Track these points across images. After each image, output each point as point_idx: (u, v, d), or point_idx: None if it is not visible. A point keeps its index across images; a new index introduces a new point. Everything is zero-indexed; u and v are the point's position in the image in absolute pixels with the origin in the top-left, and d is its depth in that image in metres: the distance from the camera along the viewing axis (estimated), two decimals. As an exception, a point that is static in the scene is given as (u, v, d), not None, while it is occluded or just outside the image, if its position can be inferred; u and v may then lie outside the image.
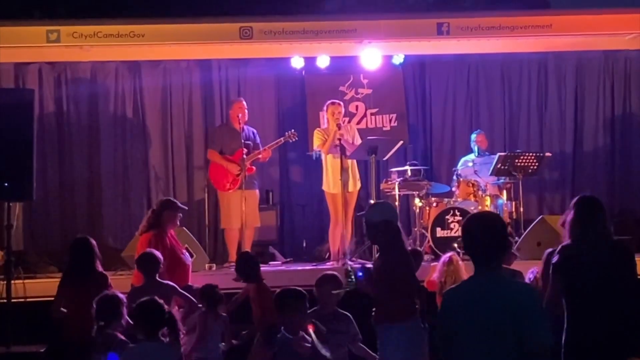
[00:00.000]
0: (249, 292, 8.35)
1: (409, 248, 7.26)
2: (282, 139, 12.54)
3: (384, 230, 6.71)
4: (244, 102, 12.65)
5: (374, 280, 6.71)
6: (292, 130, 12.67)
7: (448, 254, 9.81)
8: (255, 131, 12.69)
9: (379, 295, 6.69)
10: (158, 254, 8.45)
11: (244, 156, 12.08)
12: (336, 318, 7.33)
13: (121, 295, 7.07)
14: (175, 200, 10.00)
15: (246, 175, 12.10)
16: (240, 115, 12.34)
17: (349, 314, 7.49)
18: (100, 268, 8.48)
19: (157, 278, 8.28)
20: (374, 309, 6.83)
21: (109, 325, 6.78)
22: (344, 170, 11.82)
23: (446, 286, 9.50)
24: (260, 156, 12.33)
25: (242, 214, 12.06)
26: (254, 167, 12.35)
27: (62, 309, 8.39)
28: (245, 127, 12.42)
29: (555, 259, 6.23)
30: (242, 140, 12.18)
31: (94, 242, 8.58)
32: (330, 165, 12.18)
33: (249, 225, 12.24)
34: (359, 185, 12.42)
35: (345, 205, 11.90)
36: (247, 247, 12.15)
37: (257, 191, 12.65)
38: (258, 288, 8.26)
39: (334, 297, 7.28)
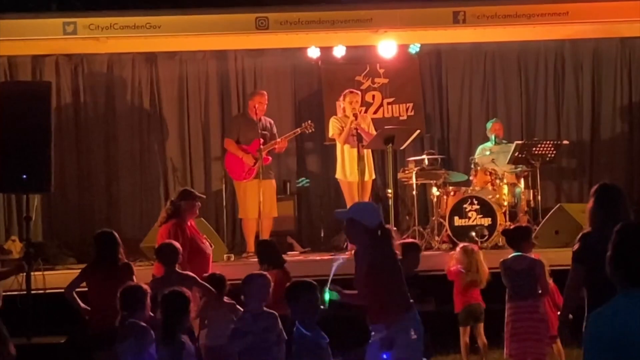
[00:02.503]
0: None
1: (404, 241, 7.00)
2: (298, 129, 12.56)
3: (350, 229, 6.62)
4: (265, 96, 12.63)
5: (362, 281, 6.61)
6: (309, 121, 12.68)
7: (465, 244, 9.79)
8: (272, 122, 12.69)
9: (368, 295, 6.59)
10: (177, 244, 8.45)
11: (261, 146, 12.10)
12: (263, 316, 7.12)
13: (145, 286, 7.11)
14: (193, 190, 9.99)
15: (262, 165, 12.12)
16: (256, 106, 12.34)
17: (275, 313, 7.11)
18: (124, 259, 8.50)
19: (177, 268, 8.29)
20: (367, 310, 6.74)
21: (132, 315, 6.82)
22: (360, 158, 11.84)
23: (469, 276, 9.50)
24: (276, 147, 12.34)
25: (259, 203, 12.09)
26: (269, 157, 12.36)
27: (80, 300, 8.43)
28: (262, 117, 12.44)
29: (575, 247, 6.23)
30: (259, 131, 12.20)
31: (115, 234, 8.58)
32: (347, 154, 12.20)
33: (266, 215, 12.27)
34: (373, 175, 12.43)
35: (361, 194, 11.91)
36: (265, 238, 12.17)
37: (274, 181, 12.66)
38: (283, 273, 8.30)
39: (264, 294, 7.04)
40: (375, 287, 6.35)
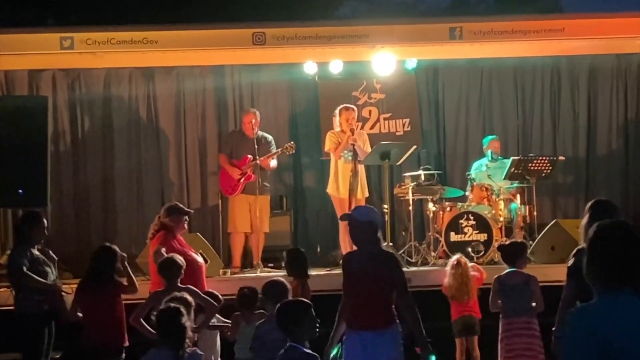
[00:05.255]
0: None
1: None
2: (279, 150, 12.50)
3: (368, 230, 6.73)
4: (252, 114, 12.69)
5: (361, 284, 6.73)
6: (292, 142, 12.70)
7: (455, 257, 9.86)
8: (268, 138, 12.65)
9: (365, 300, 6.67)
10: (180, 259, 8.42)
11: (248, 163, 12.20)
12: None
13: (190, 299, 7.06)
14: (179, 205, 9.89)
15: (247, 181, 12.22)
16: (251, 122, 12.46)
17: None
18: (116, 276, 8.49)
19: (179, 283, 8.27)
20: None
21: None
22: (354, 175, 11.83)
23: (453, 289, 9.57)
24: (263, 165, 12.33)
25: (249, 218, 12.24)
26: (253, 175, 12.31)
27: (78, 314, 8.45)
28: (261, 133, 12.49)
29: (570, 262, 6.25)
30: (253, 147, 12.26)
31: (117, 251, 8.58)
32: (341, 169, 12.17)
33: (255, 230, 12.34)
34: (366, 193, 12.40)
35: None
36: (255, 252, 12.26)
37: (268, 197, 12.64)
38: (302, 284, 8.31)
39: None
40: (386, 288, 6.46)
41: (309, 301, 6.36)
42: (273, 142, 12.64)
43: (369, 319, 6.56)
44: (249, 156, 12.28)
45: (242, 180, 12.27)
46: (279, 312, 6.21)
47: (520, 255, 8.84)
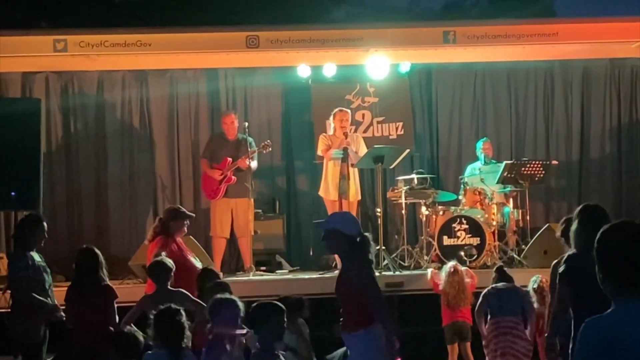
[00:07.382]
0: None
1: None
2: (256, 149, 12.46)
3: (335, 239, 6.70)
4: (231, 116, 12.77)
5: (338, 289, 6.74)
6: (268, 140, 12.70)
7: (451, 264, 9.84)
8: (250, 140, 12.58)
9: (342, 303, 6.69)
10: (169, 261, 8.40)
11: (228, 165, 12.23)
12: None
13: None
14: (182, 209, 9.91)
15: (227, 184, 12.22)
16: (226, 125, 12.59)
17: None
18: (105, 279, 8.44)
19: (169, 286, 8.24)
20: (340, 318, 6.80)
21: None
22: (343, 177, 11.85)
23: (450, 296, 9.57)
24: (241, 166, 12.33)
25: (230, 223, 12.35)
26: (234, 177, 12.33)
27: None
28: (241, 135, 12.50)
29: (561, 268, 6.25)
30: (235, 149, 12.31)
31: (98, 252, 8.53)
32: (331, 172, 12.18)
33: (240, 234, 12.34)
34: (359, 196, 12.39)
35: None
36: (246, 256, 12.26)
37: (251, 200, 12.52)
38: None
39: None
40: (360, 293, 6.45)
41: (281, 305, 6.29)
42: (253, 144, 12.54)
43: (348, 322, 6.58)
44: (229, 158, 12.30)
45: (223, 182, 12.27)
46: (253, 309, 6.18)
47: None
